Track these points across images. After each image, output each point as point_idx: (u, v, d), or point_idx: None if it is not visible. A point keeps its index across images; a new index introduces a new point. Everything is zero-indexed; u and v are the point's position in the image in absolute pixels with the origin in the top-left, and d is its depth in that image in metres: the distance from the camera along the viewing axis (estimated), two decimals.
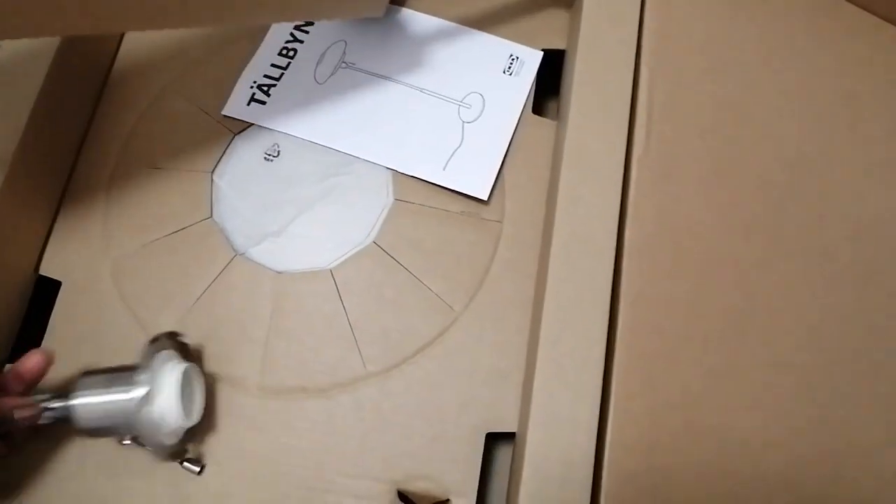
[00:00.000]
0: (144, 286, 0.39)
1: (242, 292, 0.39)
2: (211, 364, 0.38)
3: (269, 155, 0.41)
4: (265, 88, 0.43)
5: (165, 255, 0.40)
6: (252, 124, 0.42)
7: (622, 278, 0.35)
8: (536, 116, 0.43)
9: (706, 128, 0.39)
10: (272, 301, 0.38)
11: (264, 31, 0.44)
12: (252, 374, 0.37)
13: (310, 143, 0.41)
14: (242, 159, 0.41)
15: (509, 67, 0.43)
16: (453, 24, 0.44)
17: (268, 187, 0.41)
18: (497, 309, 0.39)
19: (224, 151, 0.41)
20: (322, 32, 0.44)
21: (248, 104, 0.42)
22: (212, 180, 0.41)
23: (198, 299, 0.39)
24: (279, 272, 0.39)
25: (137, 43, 0.45)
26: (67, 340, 0.38)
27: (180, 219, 0.40)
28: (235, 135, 0.42)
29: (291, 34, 0.44)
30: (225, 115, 0.42)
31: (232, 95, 0.43)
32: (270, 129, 0.42)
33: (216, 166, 0.41)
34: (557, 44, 0.44)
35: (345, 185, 0.41)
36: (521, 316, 0.38)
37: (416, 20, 0.44)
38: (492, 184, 0.40)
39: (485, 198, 0.40)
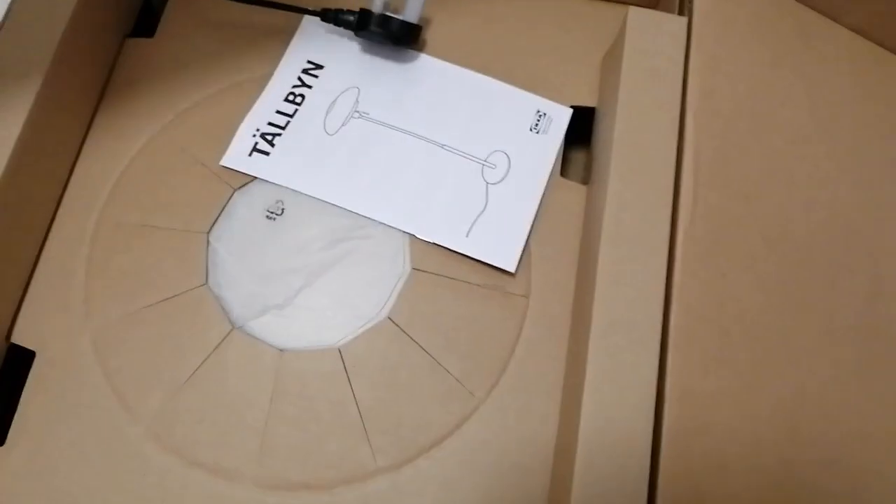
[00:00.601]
0: (129, 360, 0.35)
1: (240, 371, 0.35)
2: (202, 452, 0.33)
3: (272, 213, 0.37)
4: (269, 138, 0.39)
5: (154, 326, 0.35)
6: (254, 178, 0.38)
7: (667, 371, 0.32)
8: (564, 180, 0.39)
9: (753, 194, 0.36)
10: (273, 382, 0.34)
11: (270, 73, 0.40)
12: (248, 465, 0.33)
13: (318, 200, 0.38)
14: (242, 218, 0.37)
15: (536, 124, 0.40)
16: (476, 74, 0.41)
17: (270, 252, 0.37)
18: (522, 396, 0.35)
19: (222, 209, 0.37)
20: (333, 77, 0.41)
21: (250, 154, 0.38)
22: (208, 242, 0.37)
23: (189, 377, 0.34)
24: (281, 349, 0.35)
25: (126, 83, 0.41)
26: (42, 420, 0.34)
27: (172, 285, 0.36)
28: (235, 190, 0.38)
29: (299, 78, 0.40)
30: (223, 167, 0.38)
31: (232, 144, 0.39)
32: (271, 188, 0.38)
33: (213, 226, 0.37)
34: (586, 100, 0.41)
35: (357, 250, 0.37)
36: (548, 405, 0.35)
37: (436, 67, 0.41)
38: (519, 254, 0.37)
39: (512, 270, 0.36)
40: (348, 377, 0.35)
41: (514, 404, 0.35)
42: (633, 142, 0.35)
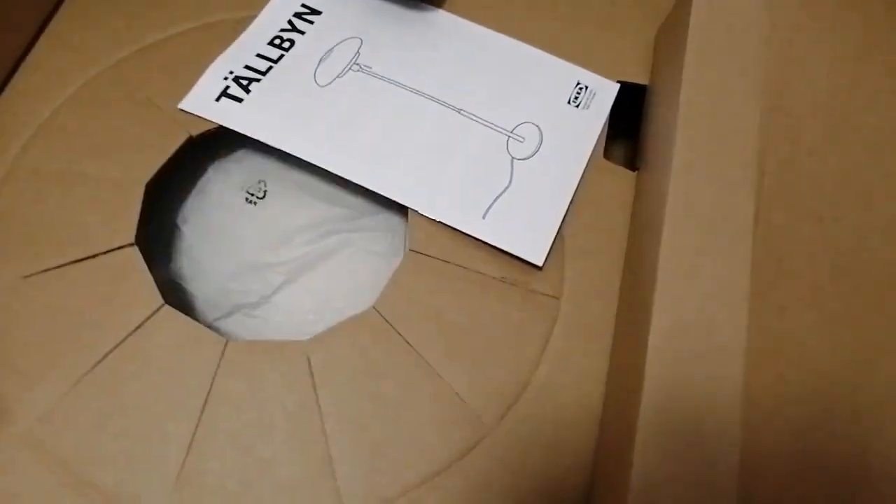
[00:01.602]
0: (20, 337, 0.26)
1: (165, 361, 0.25)
2: (99, 472, 0.24)
3: (252, 195, 0.30)
4: (244, 83, 0.31)
5: (57, 294, 0.26)
6: (217, 127, 0.30)
7: None
8: (609, 163, 0.31)
9: (825, 212, 0.29)
10: (209, 380, 0.25)
11: (253, 17, 0.33)
12: (160, 492, 0.24)
13: (306, 189, 0.30)
14: (215, 199, 0.30)
15: (576, 97, 0.32)
16: (505, 37, 0.34)
17: (247, 242, 0.29)
18: (545, 425, 0.26)
19: (170, 156, 0.29)
20: (331, 26, 0.33)
21: (218, 99, 0.31)
22: (145, 191, 0.28)
23: (95, 365, 0.25)
24: (227, 338, 0.26)
25: (77, 10, 0.33)
26: None
27: (90, 243, 0.27)
28: (192, 136, 0.30)
29: (290, 22, 0.33)
30: (182, 111, 0.30)
31: (197, 84, 0.31)
32: (253, 165, 0.30)
33: (154, 175, 0.29)
34: (635, 76, 0.33)
35: (350, 244, 0.29)
36: (580, 438, 0.26)
37: (458, 28, 0.34)
38: (549, 244, 0.28)
39: (539, 263, 0.28)
40: (314, 384, 0.25)
41: (534, 435, 0.26)
42: (703, 134, 0.27)
